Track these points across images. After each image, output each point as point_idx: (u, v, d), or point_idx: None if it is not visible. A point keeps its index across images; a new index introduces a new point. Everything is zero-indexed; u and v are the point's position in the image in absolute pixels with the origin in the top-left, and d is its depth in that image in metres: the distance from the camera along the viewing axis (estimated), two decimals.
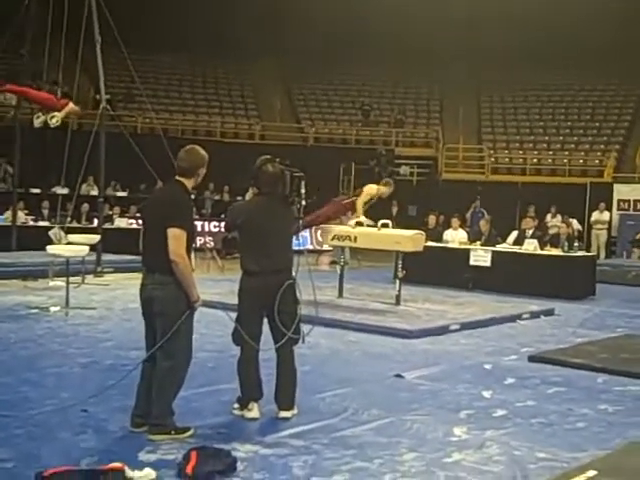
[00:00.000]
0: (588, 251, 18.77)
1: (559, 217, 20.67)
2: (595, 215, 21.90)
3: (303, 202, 6.30)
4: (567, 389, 7.30)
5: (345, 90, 32.08)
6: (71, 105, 14.41)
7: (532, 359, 8.54)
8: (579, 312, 12.58)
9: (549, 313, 12.08)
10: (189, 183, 5.60)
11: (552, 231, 18.05)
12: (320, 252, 19.65)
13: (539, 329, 10.84)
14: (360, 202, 11.90)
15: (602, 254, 21.10)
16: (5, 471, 4.69)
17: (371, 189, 12.03)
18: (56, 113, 14.03)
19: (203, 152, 5.67)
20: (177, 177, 5.60)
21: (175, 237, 5.33)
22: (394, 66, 30.38)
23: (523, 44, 29.17)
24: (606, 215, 21.93)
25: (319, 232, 13.90)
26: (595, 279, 15.01)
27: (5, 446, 5.08)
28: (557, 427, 6.10)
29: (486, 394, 7.00)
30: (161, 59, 30.49)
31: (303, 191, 6.25)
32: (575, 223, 20.72)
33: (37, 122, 14.44)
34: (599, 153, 27.52)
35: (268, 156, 6.18)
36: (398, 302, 11.58)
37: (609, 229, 22.09)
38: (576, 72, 30.09)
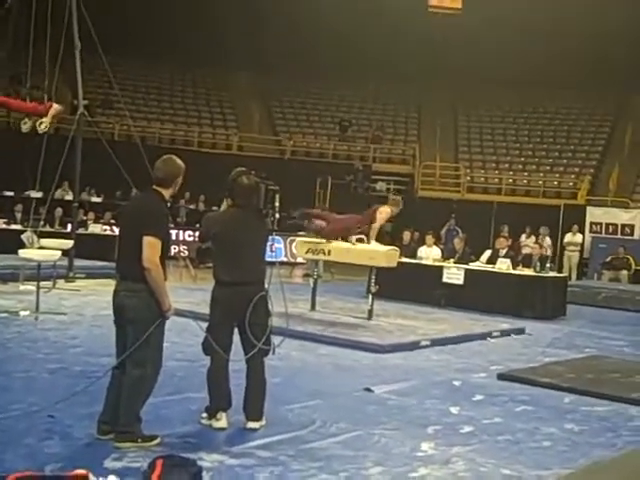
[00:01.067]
0: (560, 272, 18.94)
1: (533, 238, 20.85)
2: (568, 237, 22.09)
3: (277, 215, 6.32)
4: (534, 408, 7.36)
5: (324, 104, 32.21)
6: (55, 106, 14.32)
7: (501, 377, 8.59)
8: (549, 332, 12.67)
9: (520, 332, 12.16)
10: (166, 192, 5.61)
11: (525, 251, 18.21)
12: (294, 264, 19.68)
13: (509, 347, 10.91)
14: (376, 227, 11.90)
15: (574, 275, 21.27)
16: None
17: (386, 213, 12.01)
18: (44, 119, 13.99)
19: (180, 162, 5.69)
20: (154, 186, 5.60)
21: (150, 245, 5.34)
22: (373, 82, 30.56)
23: (501, 65, 29.47)
24: (579, 237, 22.13)
25: (293, 244, 13.90)
26: (566, 300, 15.13)
27: None
28: (523, 445, 6.14)
29: (454, 410, 7.05)
30: (141, 66, 30.44)
31: (277, 204, 6.27)
32: (547, 240, 20.94)
33: (25, 127, 14.29)
34: (573, 176, 27.84)
35: (244, 168, 6.20)
36: (370, 317, 11.61)
37: (581, 251, 22.29)
38: (553, 94, 30.42)
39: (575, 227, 22.16)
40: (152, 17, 29.60)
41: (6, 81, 19.15)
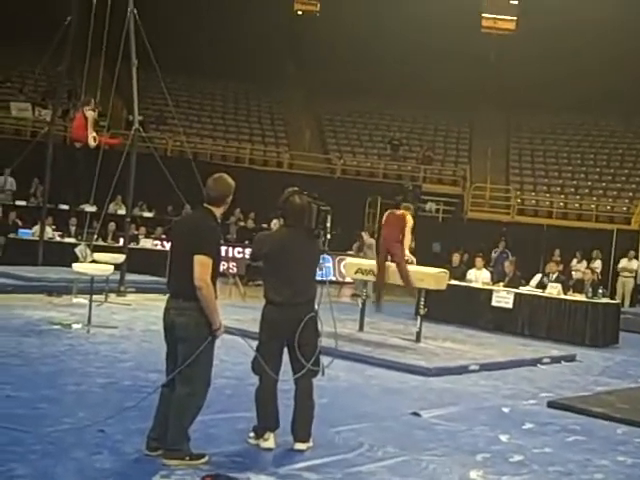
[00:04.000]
0: (613, 298, 18.61)
1: (585, 262, 20.54)
2: (623, 262, 21.70)
3: (328, 236, 6.31)
4: (586, 438, 7.21)
5: (375, 123, 32.20)
6: (86, 113, 14.67)
7: (551, 405, 8.44)
8: (601, 360, 12.44)
9: (570, 359, 11.96)
10: (217, 211, 5.65)
11: (576, 276, 17.94)
12: (342, 284, 19.66)
13: (559, 375, 10.73)
14: (409, 236, 11.83)
15: (627, 302, 20.89)
16: None
17: (410, 221, 11.95)
18: (92, 133, 14.39)
19: (230, 180, 5.72)
20: (206, 204, 5.64)
21: (201, 264, 5.36)
22: (425, 103, 30.50)
23: (555, 87, 29.25)
24: (634, 263, 21.73)
25: (342, 264, 13.88)
26: (619, 327, 14.85)
27: (21, 462, 5.10)
28: (574, 477, 6.02)
29: (503, 438, 6.94)
30: (194, 83, 30.82)
31: (329, 225, 6.26)
32: (598, 264, 20.66)
33: (93, 143, 14.67)
34: (627, 200, 27.38)
35: (296, 188, 6.19)
36: (418, 339, 11.53)
37: (635, 277, 21.88)
38: (607, 117, 30.04)
39: (632, 253, 21.75)
40: (206, 34, 30.02)
41: (65, 95, 19.53)
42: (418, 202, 26.59)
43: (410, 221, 11.89)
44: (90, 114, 14.84)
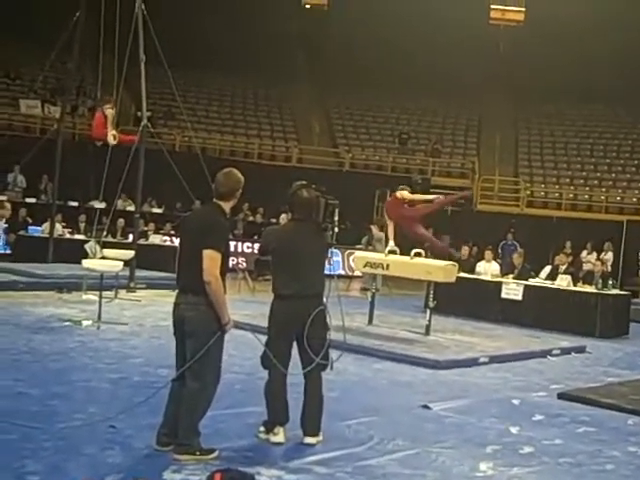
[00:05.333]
0: (622, 289, 18.53)
1: (595, 254, 20.48)
2: None
3: (336, 229, 6.32)
4: (596, 429, 7.20)
5: (383, 117, 32.18)
6: (106, 112, 14.79)
7: (561, 396, 8.43)
8: (611, 351, 12.41)
9: (580, 350, 11.93)
10: (226, 206, 5.65)
11: (586, 267, 17.90)
12: (351, 278, 19.66)
13: (569, 366, 10.71)
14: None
15: None
16: None
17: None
18: (111, 131, 14.50)
19: (240, 175, 5.73)
20: (215, 199, 5.65)
21: (210, 258, 5.37)
22: (433, 95, 30.45)
23: (564, 78, 29.15)
24: None
25: (351, 258, 13.88)
26: (629, 318, 14.82)
27: (33, 458, 5.13)
28: (585, 468, 6.01)
29: (513, 430, 6.94)
30: (202, 78, 30.83)
31: (337, 218, 6.27)
32: (609, 256, 20.57)
33: (113, 141, 14.79)
34: (637, 191, 27.27)
35: (304, 182, 6.20)
36: (428, 332, 11.52)
37: None
38: (617, 107, 29.92)
39: None
40: (213, 29, 30.01)
41: (74, 92, 19.60)
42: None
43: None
44: (110, 112, 14.98)
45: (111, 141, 14.75)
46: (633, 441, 6.87)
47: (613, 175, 28.56)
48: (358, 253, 12.40)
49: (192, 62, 27.69)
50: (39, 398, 6.64)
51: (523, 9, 33.51)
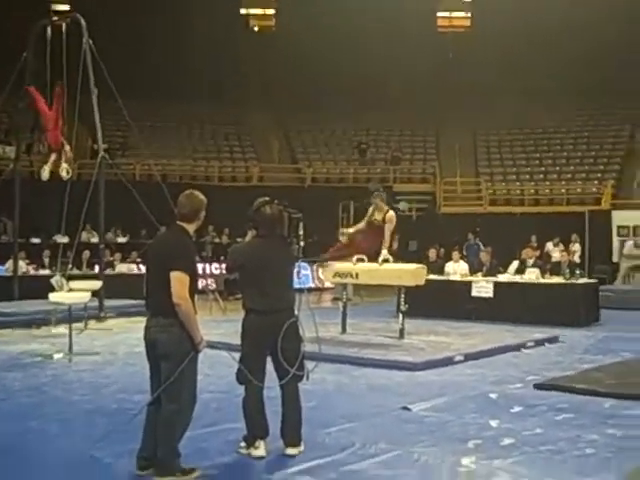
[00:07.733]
0: (591, 278, 18.74)
1: (561, 246, 20.71)
2: None
3: (302, 243, 6.35)
4: (575, 415, 7.25)
5: (341, 129, 32.29)
6: (67, 149, 14.77)
7: (538, 387, 8.49)
8: (583, 339, 12.54)
9: (553, 340, 12.05)
10: (190, 227, 5.64)
11: (553, 259, 18.09)
12: (322, 290, 19.66)
13: (544, 357, 10.80)
14: (389, 233, 11.78)
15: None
16: None
17: (393, 217, 11.91)
18: (63, 164, 14.44)
19: (202, 196, 5.73)
20: (178, 222, 5.64)
21: (178, 280, 5.35)
22: (389, 105, 30.60)
23: (514, 77, 29.60)
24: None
25: (320, 270, 13.84)
26: (599, 305, 14.99)
27: None
28: (566, 454, 6.05)
29: (493, 423, 6.97)
30: (156, 107, 30.69)
31: (301, 232, 6.30)
32: (577, 247, 20.85)
33: (44, 175, 14.80)
34: (596, 181, 27.64)
35: (266, 198, 6.23)
36: (402, 335, 11.55)
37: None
38: (570, 101, 30.32)
39: None
40: (165, 57, 30.02)
41: (28, 132, 19.46)
42: (393, 202, 26.68)
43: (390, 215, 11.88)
44: (67, 149, 14.91)
45: (65, 175, 14.66)
46: (611, 423, 6.94)
47: (572, 168, 28.91)
48: (328, 263, 12.35)
49: (146, 91, 27.59)
50: (12, 435, 6.51)
51: (469, 15, 34.02)
